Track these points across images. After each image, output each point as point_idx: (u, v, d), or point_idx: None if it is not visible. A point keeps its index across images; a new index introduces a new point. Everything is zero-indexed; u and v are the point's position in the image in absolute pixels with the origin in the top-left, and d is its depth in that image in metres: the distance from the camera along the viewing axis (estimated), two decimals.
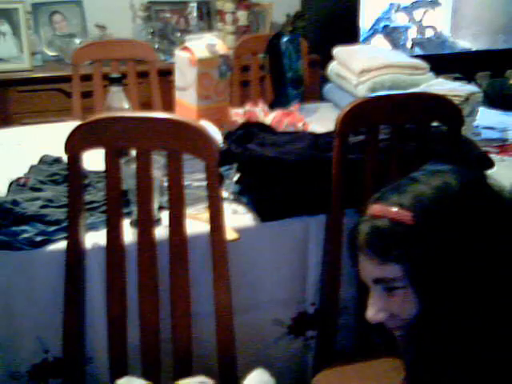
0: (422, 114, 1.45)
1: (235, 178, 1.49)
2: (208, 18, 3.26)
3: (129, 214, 1.34)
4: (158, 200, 1.34)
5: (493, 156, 1.68)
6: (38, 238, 1.27)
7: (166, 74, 2.31)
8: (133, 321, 1.28)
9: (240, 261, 1.36)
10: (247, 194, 1.47)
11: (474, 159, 1.55)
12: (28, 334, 1.30)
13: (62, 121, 2.14)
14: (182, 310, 1.27)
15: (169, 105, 2.03)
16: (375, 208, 0.87)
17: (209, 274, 1.27)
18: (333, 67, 2.29)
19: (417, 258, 0.81)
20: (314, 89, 2.73)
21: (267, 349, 1.48)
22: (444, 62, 3.20)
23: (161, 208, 1.37)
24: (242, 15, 3.18)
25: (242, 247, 1.36)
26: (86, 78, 2.29)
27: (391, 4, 3.70)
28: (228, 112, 1.92)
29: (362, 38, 3.47)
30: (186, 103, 1.85)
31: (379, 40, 3.67)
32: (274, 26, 3.23)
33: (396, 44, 3.63)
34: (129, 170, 1.28)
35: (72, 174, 1.26)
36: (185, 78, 1.83)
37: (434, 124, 1.50)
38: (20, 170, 1.58)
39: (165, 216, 1.31)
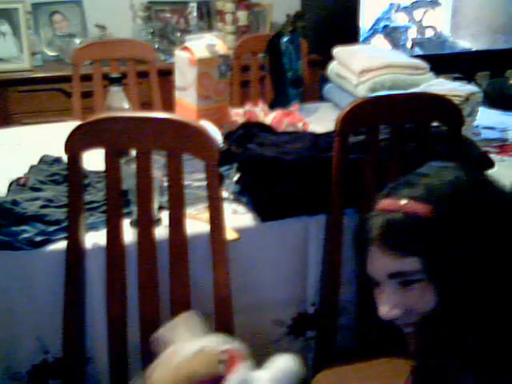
0: (422, 114, 1.45)
1: (235, 178, 1.49)
2: (208, 17, 3.26)
3: (129, 213, 1.34)
4: (158, 200, 1.34)
5: (493, 156, 1.68)
6: (38, 238, 1.27)
7: (166, 73, 2.31)
8: (133, 321, 1.28)
9: (240, 261, 1.36)
10: (247, 194, 1.47)
11: (474, 159, 1.55)
12: (28, 334, 1.30)
13: (62, 121, 2.14)
14: (182, 310, 1.27)
15: (169, 105, 2.03)
16: (387, 202, 0.86)
17: (209, 274, 1.27)
18: (333, 67, 2.29)
19: (436, 251, 0.81)
20: (314, 89, 2.73)
21: (267, 349, 1.48)
22: (444, 61, 3.20)
23: (161, 208, 1.37)
24: (242, 15, 3.18)
25: (242, 247, 1.36)
26: (86, 77, 2.29)
27: (391, 4, 3.69)
28: (228, 112, 1.92)
29: (362, 38, 3.46)
30: (186, 103, 1.85)
31: (379, 40, 3.66)
32: (274, 26, 3.23)
33: (396, 44, 3.63)
34: (129, 170, 1.28)
35: (72, 174, 1.26)
36: (185, 77, 1.83)
37: (434, 124, 1.49)
38: (20, 170, 1.58)
39: (165, 216, 1.31)
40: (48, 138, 1.81)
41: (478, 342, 0.82)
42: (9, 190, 1.46)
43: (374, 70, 2.06)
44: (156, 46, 3.00)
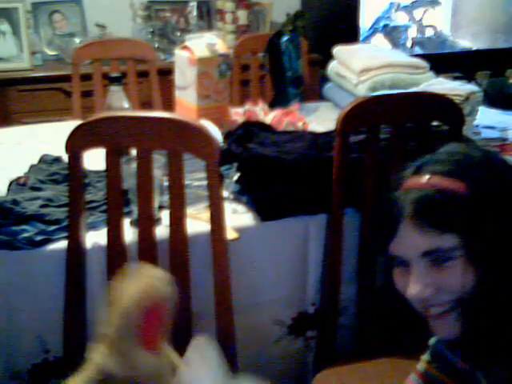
0: (423, 114, 1.45)
1: (235, 178, 1.49)
2: (208, 17, 3.26)
3: (129, 213, 1.34)
4: (158, 199, 1.34)
5: None
6: (38, 238, 1.27)
7: (166, 73, 2.31)
8: None
9: (240, 260, 1.36)
10: (247, 194, 1.47)
11: None
12: (28, 333, 1.30)
13: (62, 120, 2.14)
14: (181, 310, 1.27)
15: (169, 104, 2.03)
16: (418, 180, 0.85)
17: (209, 274, 1.27)
18: (333, 66, 2.29)
19: (475, 227, 0.80)
20: (313, 88, 2.73)
21: (267, 349, 1.48)
22: (444, 61, 3.20)
23: (161, 207, 1.37)
24: (242, 14, 3.18)
25: (242, 247, 1.36)
26: (86, 77, 2.29)
27: (391, 3, 3.70)
28: (228, 111, 1.92)
29: (362, 38, 3.46)
30: (186, 102, 1.85)
31: (379, 39, 3.66)
32: (274, 26, 3.22)
33: (396, 43, 3.63)
34: (129, 170, 1.28)
35: (72, 174, 1.26)
36: (185, 77, 1.83)
37: (435, 123, 1.49)
38: (20, 170, 1.58)
39: (165, 215, 1.31)
40: (48, 138, 1.81)
41: None
42: (9, 190, 1.46)
43: (374, 70, 2.06)
44: (156, 46, 3.00)
